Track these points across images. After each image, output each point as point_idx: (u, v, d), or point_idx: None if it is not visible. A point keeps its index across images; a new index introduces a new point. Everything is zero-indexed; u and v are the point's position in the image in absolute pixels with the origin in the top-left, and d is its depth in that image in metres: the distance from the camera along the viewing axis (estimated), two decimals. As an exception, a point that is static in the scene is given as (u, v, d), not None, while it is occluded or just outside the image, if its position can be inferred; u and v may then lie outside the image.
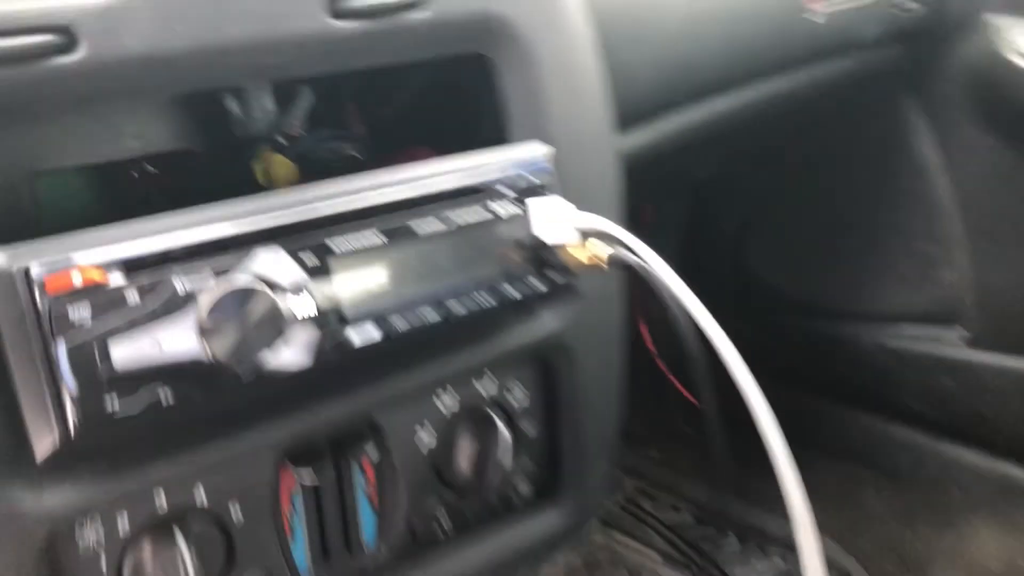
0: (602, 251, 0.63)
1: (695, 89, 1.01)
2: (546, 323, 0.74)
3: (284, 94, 0.81)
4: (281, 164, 0.79)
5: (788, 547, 1.45)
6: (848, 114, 1.42)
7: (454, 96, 0.79)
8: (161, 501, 0.62)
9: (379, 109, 0.85)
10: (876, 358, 1.48)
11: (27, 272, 0.51)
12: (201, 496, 0.63)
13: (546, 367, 0.76)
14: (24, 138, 0.73)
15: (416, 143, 0.82)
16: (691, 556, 1.48)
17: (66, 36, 0.53)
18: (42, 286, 0.51)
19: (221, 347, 0.54)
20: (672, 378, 1.64)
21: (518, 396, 0.76)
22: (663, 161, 1.03)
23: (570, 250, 0.64)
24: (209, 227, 0.56)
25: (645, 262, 0.60)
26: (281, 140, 0.81)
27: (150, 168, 0.82)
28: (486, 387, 0.74)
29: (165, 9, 0.55)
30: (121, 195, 0.82)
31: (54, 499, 0.57)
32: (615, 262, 0.62)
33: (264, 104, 0.80)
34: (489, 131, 0.75)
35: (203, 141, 0.82)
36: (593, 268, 0.64)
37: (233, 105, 0.80)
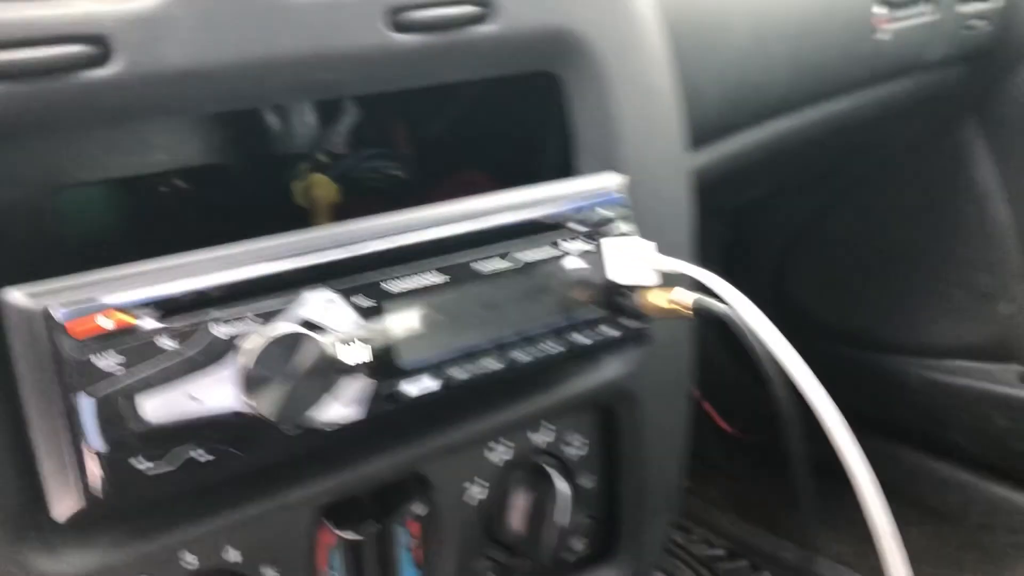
0: (685, 297, 0.56)
1: (759, 110, 0.95)
2: (609, 368, 0.67)
3: (327, 109, 0.75)
4: (323, 184, 0.73)
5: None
6: (904, 137, 1.36)
7: (510, 116, 0.73)
8: (188, 564, 0.56)
9: (427, 128, 0.79)
10: (924, 393, 1.41)
11: (48, 314, 0.45)
12: (232, 557, 0.57)
13: (607, 415, 0.70)
14: (46, 150, 0.68)
15: (466, 166, 0.76)
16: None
17: (100, 47, 0.47)
18: (64, 330, 0.45)
19: (267, 403, 0.48)
20: (707, 406, 1.57)
21: (575, 446, 0.70)
22: (717, 185, 0.97)
23: (648, 294, 0.58)
24: (252, 266, 0.50)
25: (738, 313, 0.53)
26: (323, 158, 0.75)
27: (180, 183, 0.76)
28: (542, 437, 0.67)
29: (210, 18, 0.49)
30: (148, 212, 0.76)
31: (71, 563, 0.51)
32: (701, 310, 0.55)
33: (306, 119, 0.74)
34: (551, 156, 0.69)
35: (238, 156, 0.76)
36: (672, 314, 0.58)
37: (272, 119, 0.74)
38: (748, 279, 1.60)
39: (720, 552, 1.53)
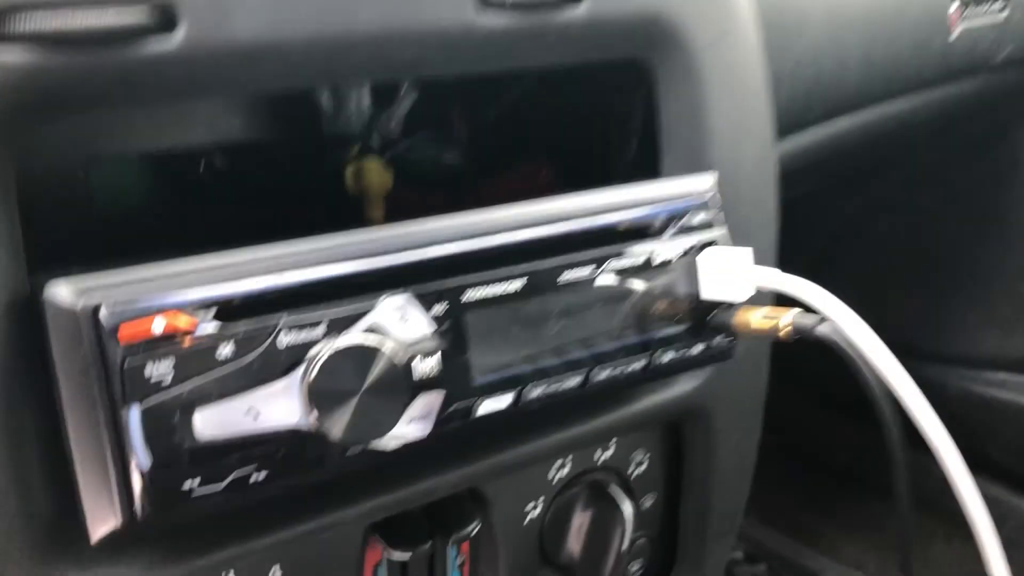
0: (783, 316, 0.51)
1: (829, 107, 0.90)
2: (682, 384, 0.62)
3: (383, 90, 0.70)
4: (376, 171, 0.67)
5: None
6: (958, 140, 1.30)
7: (582, 106, 0.67)
8: (230, 586, 0.51)
9: (486, 115, 0.74)
10: (961, 405, 1.37)
11: (95, 313, 0.40)
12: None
13: (674, 430, 0.65)
14: (83, 121, 0.62)
15: (527, 158, 0.71)
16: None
17: (163, 15, 0.41)
18: (114, 333, 0.40)
19: (333, 423, 0.43)
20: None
21: (637, 462, 0.65)
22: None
23: (741, 312, 0.53)
24: (321, 267, 0.45)
25: (850, 339, 0.48)
26: (376, 143, 0.69)
27: (220, 161, 0.71)
28: (606, 455, 0.63)
29: (286, -12, 0.44)
30: (184, 190, 0.70)
31: (106, 584, 0.46)
32: (803, 332, 0.50)
33: (361, 100, 0.68)
34: (627, 151, 0.64)
35: (284, 136, 0.71)
36: (765, 335, 0.53)
37: (325, 99, 0.68)
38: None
39: (738, 555, 1.50)
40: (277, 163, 0.71)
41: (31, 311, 0.42)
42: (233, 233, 0.69)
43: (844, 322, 0.49)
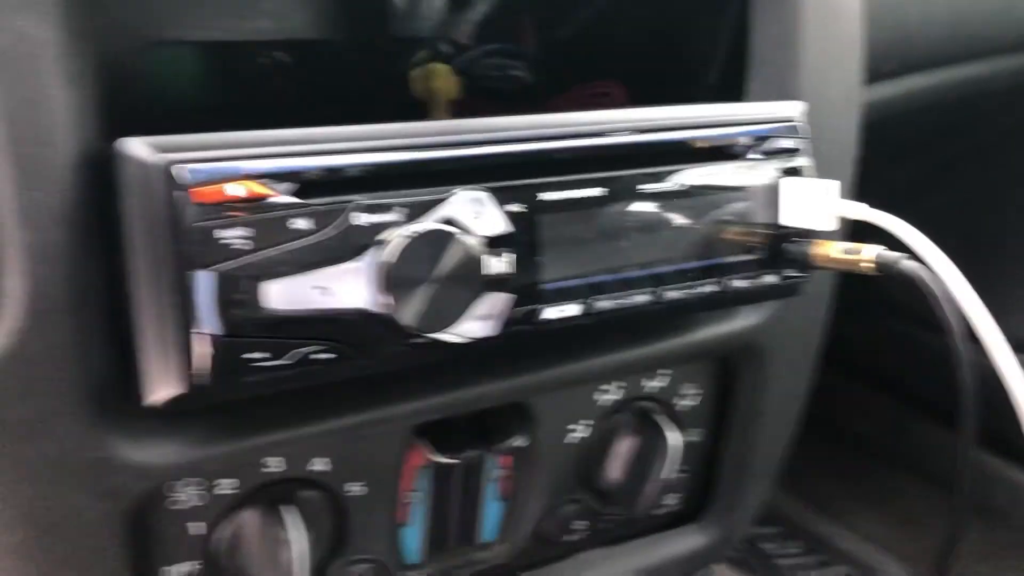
0: (867, 250, 0.49)
1: (908, 61, 0.86)
2: (741, 317, 0.61)
3: (457, -6, 0.67)
4: (444, 76, 0.66)
5: (854, 564, 1.36)
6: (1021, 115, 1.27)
7: (660, 26, 0.65)
8: (272, 468, 0.50)
9: (558, 28, 0.71)
10: (995, 386, 1.35)
11: (171, 172, 0.39)
12: (318, 467, 0.52)
13: (726, 365, 0.64)
14: (150, 5, 0.61)
15: (598, 76, 0.69)
16: (751, 558, 1.38)
17: None
18: (189, 193, 0.39)
19: (406, 306, 0.42)
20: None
21: (687, 396, 0.64)
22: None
23: (820, 242, 0.51)
24: (401, 153, 0.43)
25: (935, 274, 0.47)
26: (445, 48, 0.67)
27: (282, 56, 0.69)
28: (654, 382, 0.61)
29: None
30: (244, 82, 0.69)
31: (154, 454, 0.45)
32: (886, 266, 0.49)
33: (434, 1, 0.66)
34: (708, 74, 0.62)
35: (351, 34, 0.69)
36: (844, 266, 0.51)
37: (398, -2, 0.66)
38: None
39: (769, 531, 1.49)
40: (343, 61, 0.70)
41: (104, 171, 0.41)
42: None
43: (932, 260, 0.47)
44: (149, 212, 0.39)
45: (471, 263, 0.43)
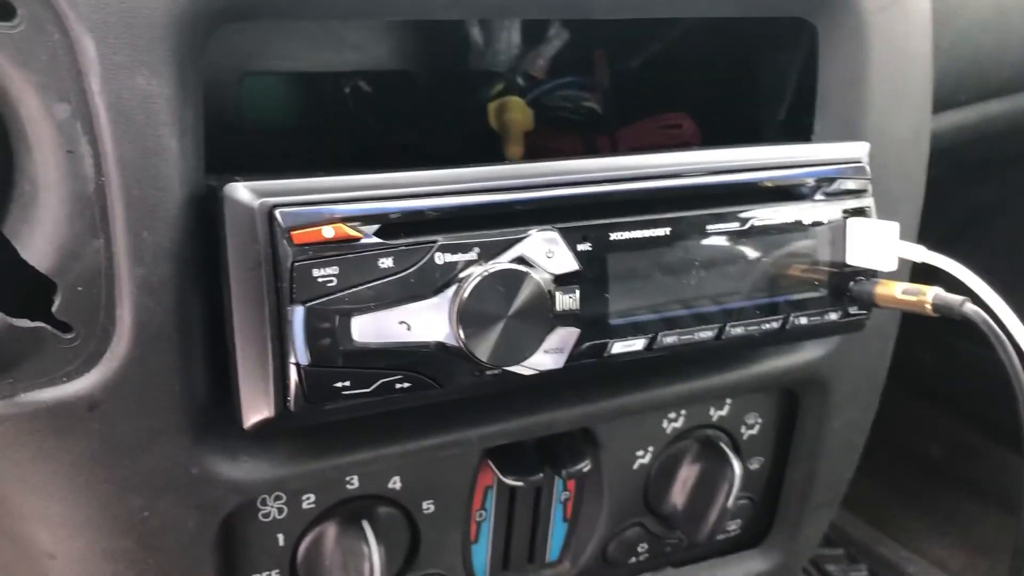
0: (928, 293, 0.51)
1: (982, 89, 0.86)
2: (807, 351, 0.62)
3: (532, 30, 0.70)
4: (519, 108, 0.68)
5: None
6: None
7: (731, 62, 0.67)
8: (354, 487, 0.54)
9: (629, 61, 0.74)
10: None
11: (273, 215, 0.42)
12: (395, 485, 0.55)
13: (791, 398, 0.65)
14: (240, 38, 0.65)
15: (667, 108, 0.70)
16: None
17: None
18: (288, 234, 0.42)
19: (479, 342, 0.44)
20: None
21: (749, 424, 0.65)
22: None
23: (883, 283, 0.52)
24: (480, 195, 0.46)
25: (992, 316, 0.47)
26: (521, 82, 0.70)
27: (365, 85, 0.73)
28: (720, 413, 0.63)
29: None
30: (329, 110, 0.73)
31: (248, 470, 0.49)
32: (944, 308, 0.50)
33: (510, 38, 0.69)
34: (776, 112, 0.63)
35: (430, 66, 0.72)
36: (904, 306, 0.52)
37: (475, 32, 0.69)
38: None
39: (834, 552, 1.48)
40: (422, 92, 0.73)
41: (207, 208, 0.44)
42: (372, 156, 0.72)
43: (991, 302, 0.48)
44: (252, 251, 0.43)
45: (542, 301, 0.46)
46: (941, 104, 0.85)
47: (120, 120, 0.41)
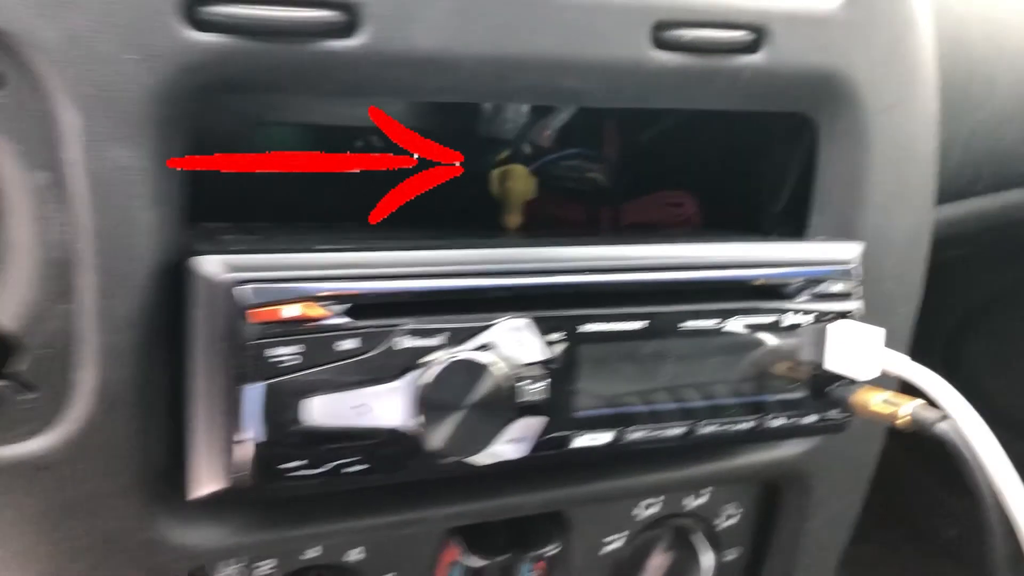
0: (904, 405, 0.49)
1: (1001, 180, 0.84)
2: (789, 447, 0.61)
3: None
4: (521, 177, 0.68)
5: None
6: None
7: (735, 146, 0.66)
8: (311, 555, 0.53)
9: (637, 136, 0.73)
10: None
11: (230, 291, 0.42)
12: (354, 557, 0.54)
13: (773, 489, 0.64)
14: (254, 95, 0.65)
15: (671, 185, 0.70)
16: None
17: (348, 15, 0.43)
18: (244, 312, 0.42)
19: (437, 431, 0.44)
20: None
21: (727, 514, 0.64)
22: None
23: (862, 391, 0.51)
24: (448, 279, 0.46)
25: (968, 442, 0.46)
26: (526, 150, 0.70)
27: (376, 141, 0.73)
28: (697, 502, 0.62)
29: (468, 5, 0.44)
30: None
31: (201, 537, 0.49)
32: (922, 427, 0.48)
33: (519, 108, 0.69)
34: (774, 201, 0.62)
35: (440, 128, 0.72)
36: (880, 419, 0.51)
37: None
38: (914, 352, 1.48)
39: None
40: (428, 153, 0.73)
41: (176, 277, 0.45)
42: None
43: (966, 424, 0.47)
44: (211, 326, 0.43)
45: (502, 392, 0.45)
46: (958, 193, 0.83)
47: (97, 190, 0.42)
